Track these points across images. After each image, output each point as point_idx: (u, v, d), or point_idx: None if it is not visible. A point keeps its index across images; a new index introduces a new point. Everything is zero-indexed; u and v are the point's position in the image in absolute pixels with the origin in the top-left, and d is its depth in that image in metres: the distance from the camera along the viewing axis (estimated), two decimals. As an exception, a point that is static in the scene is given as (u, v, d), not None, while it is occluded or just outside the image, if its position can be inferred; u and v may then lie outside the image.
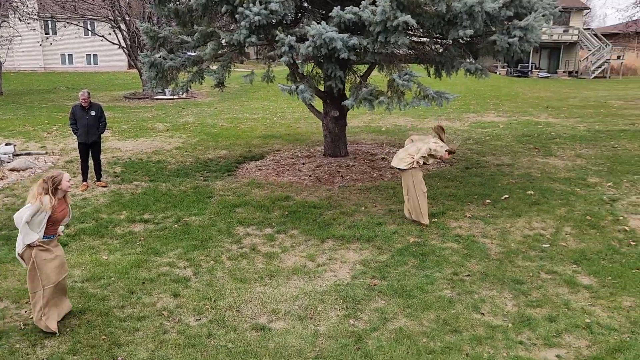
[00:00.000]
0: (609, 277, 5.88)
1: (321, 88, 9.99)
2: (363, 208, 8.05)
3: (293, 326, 4.93)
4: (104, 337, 4.74)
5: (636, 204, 8.18)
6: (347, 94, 9.40)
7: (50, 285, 4.76)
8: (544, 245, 6.75)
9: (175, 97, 22.45)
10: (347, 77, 9.87)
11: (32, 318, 4.85)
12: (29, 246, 4.65)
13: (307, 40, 6.93)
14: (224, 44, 8.60)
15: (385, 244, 6.78)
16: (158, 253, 6.54)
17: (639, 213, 7.80)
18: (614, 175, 9.75)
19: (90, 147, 9.19)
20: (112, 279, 5.84)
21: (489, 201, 8.29)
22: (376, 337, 4.74)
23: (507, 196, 8.50)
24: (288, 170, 10.06)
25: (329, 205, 8.16)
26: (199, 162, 11.07)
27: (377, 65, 9.02)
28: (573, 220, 7.50)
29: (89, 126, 8.99)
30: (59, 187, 4.75)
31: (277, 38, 7.13)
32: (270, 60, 9.12)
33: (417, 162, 7.13)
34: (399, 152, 7.46)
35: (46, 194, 4.62)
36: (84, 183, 9.30)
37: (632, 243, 6.80)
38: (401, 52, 8.65)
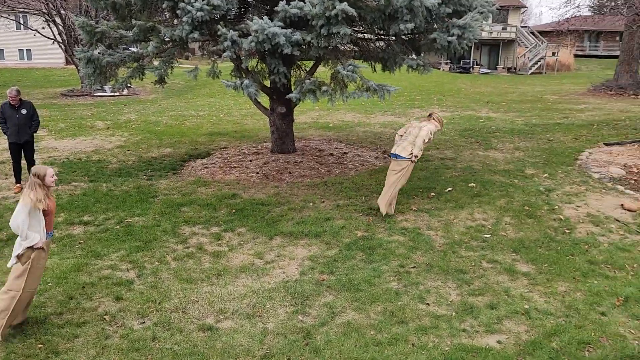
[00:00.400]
0: (546, 264, 6.15)
1: (267, 84, 9.92)
2: (311, 204, 8.06)
3: (241, 325, 4.88)
4: (40, 345, 4.52)
5: (570, 194, 8.59)
6: (293, 89, 9.38)
7: (30, 291, 4.59)
8: (485, 235, 6.98)
9: (116, 94, 21.71)
10: (292, 73, 9.86)
11: None
12: (31, 248, 4.46)
13: (250, 35, 6.85)
14: (167, 40, 8.38)
15: (333, 239, 6.82)
16: (99, 256, 6.31)
17: (573, 202, 8.19)
18: (550, 166, 10.21)
19: (22, 147, 8.75)
20: (50, 284, 5.58)
21: (433, 194, 8.49)
22: (325, 332, 4.76)
23: (450, 189, 8.74)
24: (235, 167, 9.94)
25: (277, 202, 8.12)
26: (142, 161, 10.75)
27: (322, 61, 9.04)
28: (512, 211, 7.79)
29: (19, 125, 8.55)
30: (44, 183, 4.58)
31: (219, 33, 7.01)
32: (216, 56, 8.97)
33: (416, 157, 7.24)
34: (401, 142, 7.35)
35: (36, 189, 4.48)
36: (17, 185, 8.85)
37: (567, 231, 7.13)
38: (345, 47, 8.71)
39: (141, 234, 6.93)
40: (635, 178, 9.45)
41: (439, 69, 36.12)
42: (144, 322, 4.92)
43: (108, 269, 5.96)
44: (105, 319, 4.95)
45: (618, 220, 7.47)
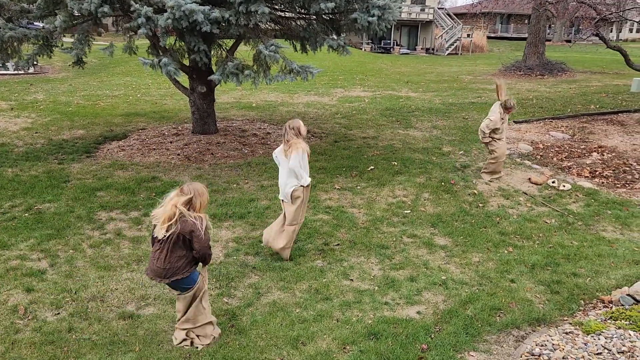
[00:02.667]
0: (461, 237, 6.48)
1: (187, 62, 9.58)
2: (235, 185, 7.96)
3: (164, 310, 4.76)
4: (-59, 345, 4.18)
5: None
6: (214, 68, 9.13)
7: (302, 222, 5.74)
8: (405, 211, 7.23)
9: (20, 72, 20.11)
10: (213, 51, 9.59)
11: None
12: (302, 187, 5.46)
13: (166, 11, 6.56)
14: (76, 14, 7.83)
15: (258, 220, 6.79)
16: (6, 246, 5.89)
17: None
18: (465, 144, 10.71)
19: None
20: (-50, 279, 5.15)
21: (356, 173, 8.65)
22: (250, 313, 4.76)
23: (372, 167, 8.94)
24: (154, 149, 9.58)
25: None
26: (51, 143, 10.09)
27: (243, 39, 8.85)
28: (431, 187, 8.11)
29: None
30: (300, 133, 5.44)
31: (132, 9, 6.65)
32: (132, 33, 8.51)
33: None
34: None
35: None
36: None
37: (480, 205, 7.54)
38: (266, 26, 8.57)
39: (53, 221, 6.54)
40: (541, 154, 10.13)
41: (361, 49, 36.56)
42: (58, 314, 4.67)
43: (17, 260, 5.58)
44: (15, 312, 4.66)
45: (526, 193, 8.00)
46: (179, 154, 9.26)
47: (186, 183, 4.16)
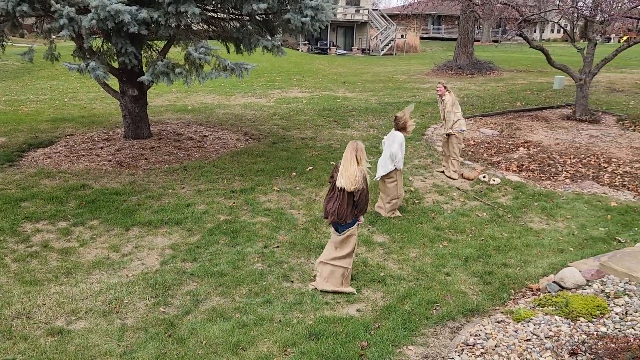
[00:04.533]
0: (399, 233, 6.61)
1: (116, 65, 9.24)
2: (170, 190, 7.75)
3: (96, 324, 4.56)
4: None
5: (418, 166, 9.30)
6: (145, 70, 8.84)
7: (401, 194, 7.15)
8: (344, 210, 7.28)
9: None
10: (143, 53, 9.30)
11: None
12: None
13: (90, 12, 6.28)
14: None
15: (195, 225, 6.64)
16: None
17: (421, 174, 8.89)
18: (401, 142, 10.93)
19: None
20: None
21: (295, 174, 8.65)
22: (189, 321, 4.65)
23: (311, 168, 8.96)
24: (84, 156, 9.17)
25: (133, 190, 7.68)
26: (-30, 152, 9.44)
27: (174, 41, 8.63)
28: (369, 186, 8.20)
29: None
30: (407, 128, 7.11)
31: (53, 9, 6.33)
32: (55, 35, 8.09)
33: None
34: None
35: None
36: None
37: (416, 201, 7.73)
38: (199, 27, 8.41)
39: (-28, 235, 6.12)
40: (472, 150, 10.52)
41: (298, 50, 36.63)
42: (-21, 335, 4.37)
43: None
44: None
45: (459, 189, 8.27)
46: (110, 160, 8.91)
47: (353, 141, 5.07)
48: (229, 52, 9.45)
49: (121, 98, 9.57)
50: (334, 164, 9.12)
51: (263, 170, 8.74)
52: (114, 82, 9.60)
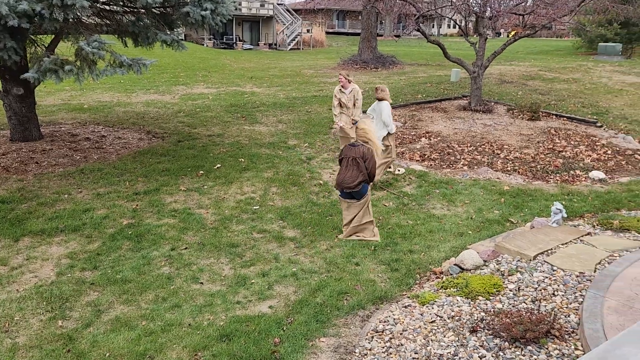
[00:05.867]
0: (309, 227, 6.65)
1: (-3, 62, 8.45)
2: (66, 195, 7.25)
3: (-18, 346, 4.16)
4: None
5: (327, 160, 9.42)
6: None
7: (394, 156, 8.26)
8: (254, 207, 7.22)
9: None
10: (28, 49, 8.59)
11: None
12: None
13: (-39, 2, 5.68)
14: None
15: (95, 231, 6.26)
16: None
17: (330, 168, 9.01)
18: (309, 136, 11.03)
19: None
20: None
21: (202, 172, 8.42)
22: (90, 333, 4.37)
23: (219, 165, 8.78)
24: (-36, 162, 8.32)
25: (23, 197, 7.09)
26: None
27: (63, 35, 8.04)
28: (278, 181, 8.20)
29: None
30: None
31: None
32: None
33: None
34: None
35: None
36: None
37: (326, 194, 7.82)
38: (91, 20, 7.90)
39: None
40: (378, 141, 10.82)
41: (203, 44, 35.74)
42: None
43: None
44: None
45: (366, 180, 8.47)
46: (-5, 166, 8.17)
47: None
48: (126, 46, 8.99)
49: (4, 97, 8.78)
50: (242, 160, 9.03)
51: (168, 170, 8.43)
52: (-4, 81, 8.81)
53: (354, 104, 8.62)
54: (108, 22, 8.85)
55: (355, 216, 6.17)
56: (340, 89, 8.59)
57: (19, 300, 4.79)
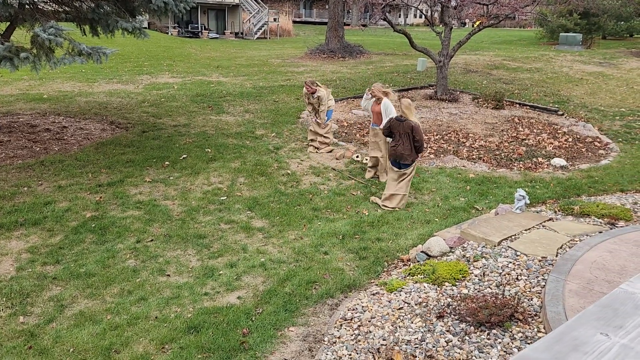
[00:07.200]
0: (277, 217, 6.62)
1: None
2: (26, 188, 7.01)
3: (-62, 346, 4.00)
4: None
5: (295, 150, 9.38)
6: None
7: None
8: (222, 198, 7.14)
9: None
10: (-18, 36, 8.22)
11: None
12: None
13: None
14: None
15: (57, 225, 6.09)
16: None
17: (298, 157, 8.98)
18: (277, 126, 10.95)
19: None
20: None
21: (168, 163, 8.28)
22: (53, 329, 4.26)
23: (185, 156, 8.64)
24: None
25: (-21, 191, 6.83)
26: None
27: (17, 22, 7.72)
28: (246, 171, 8.13)
29: None
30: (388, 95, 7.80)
31: None
32: None
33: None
34: None
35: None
36: None
37: (294, 184, 7.79)
38: (48, 7, 7.61)
39: None
40: (346, 131, 10.84)
41: (167, 33, 35.00)
42: None
43: None
44: None
45: (334, 169, 8.49)
46: (-51, 158, 7.84)
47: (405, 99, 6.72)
48: (85, 34, 8.70)
49: (-42, 87, 8.40)
50: (209, 151, 8.90)
51: (133, 161, 8.25)
52: (-53, 69, 8.42)
53: (317, 109, 9.07)
54: (67, 8, 8.56)
55: (398, 184, 6.92)
56: (306, 93, 8.92)
57: (-23, 297, 4.63)
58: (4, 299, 4.63)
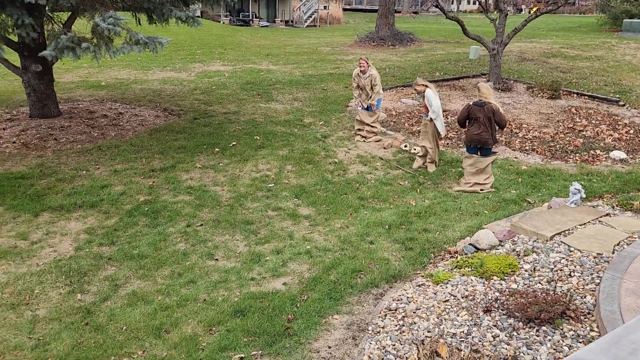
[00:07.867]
0: (324, 205, 6.65)
1: (15, 38, 8.50)
2: (84, 172, 7.33)
3: (4, 317, 4.27)
4: None
5: (342, 138, 9.36)
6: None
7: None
8: (269, 185, 7.23)
9: None
10: (45, 26, 8.61)
11: None
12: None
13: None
14: None
15: (112, 207, 6.34)
16: None
17: (345, 146, 8.96)
18: (325, 114, 10.95)
19: None
20: None
21: (218, 149, 8.44)
22: (107, 307, 4.46)
23: (235, 143, 8.78)
24: (-16, 138, 8.45)
25: (42, 173, 7.19)
26: None
27: (79, 12, 8.02)
28: (293, 159, 8.19)
29: None
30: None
31: None
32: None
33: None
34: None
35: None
36: None
37: (341, 172, 7.79)
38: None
39: None
40: (394, 120, 10.72)
41: (219, 21, 35.52)
42: None
43: None
44: None
45: (382, 159, 8.42)
46: (14, 142, 8.27)
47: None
48: (140, 24, 8.95)
49: (23, 74, 8.85)
50: (257, 138, 9.01)
51: (184, 147, 8.47)
52: (15, 58, 8.87)
53: (372, 89, 8.80)
54: (123, -2, 8.80)
55: (478, 170, 7.08)
56: (359, 73, 8.82)
57: (39, 274, 4.89)
58: (64, 276, 4.87)
